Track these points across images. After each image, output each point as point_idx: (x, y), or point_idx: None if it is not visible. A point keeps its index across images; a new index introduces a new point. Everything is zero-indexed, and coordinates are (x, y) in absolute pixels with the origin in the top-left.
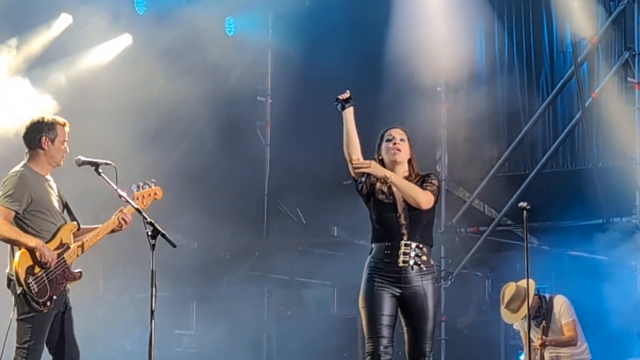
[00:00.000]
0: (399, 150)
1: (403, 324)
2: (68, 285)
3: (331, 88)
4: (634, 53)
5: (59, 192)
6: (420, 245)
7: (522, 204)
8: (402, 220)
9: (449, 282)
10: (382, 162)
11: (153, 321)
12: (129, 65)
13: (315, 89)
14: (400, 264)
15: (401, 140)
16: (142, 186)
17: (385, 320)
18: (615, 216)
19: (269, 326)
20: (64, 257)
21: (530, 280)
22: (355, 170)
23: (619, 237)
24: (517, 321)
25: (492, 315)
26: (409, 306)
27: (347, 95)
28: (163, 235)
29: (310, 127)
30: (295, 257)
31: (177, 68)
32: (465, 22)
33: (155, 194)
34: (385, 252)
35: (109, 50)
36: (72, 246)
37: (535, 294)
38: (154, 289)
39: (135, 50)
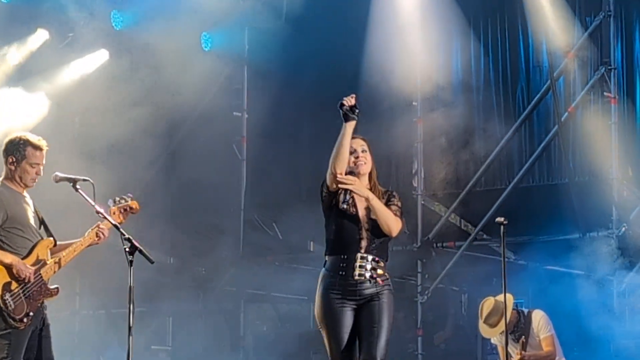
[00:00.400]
0: (363, 162)
1: (358, 335)
2: (45, 301)
3: (307, 103)
4: (610, 67)
5: (35, 208)
6: (377, 259)
7: (499, 219)
8: (362, 234)
9: (425, 297)
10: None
11: (131, 337)
12: (105, 80)
13: (291, 104)
14: (356, 277)
15: (363, 151)
16: (119, 200)
17: (347, 337)
18: (591, 231)
19: (245, 341)
20: (40, 273)
21: (508, 294)
22: (339, 185)
23: (596, 252)
24: (495, 336)
25: (469, 330)
26: (365, 319)
27: (353, 101)
28: (141, 251)
29: (287, 142)
30: (272, 273)
31: (153, 83)
32: (441, 37)
33: (132, 208)
34: (341, 264)
35: (85, 65)
36: (48, 262)
37: (513, 309)
38: (131, 305)
39: (112, 65)
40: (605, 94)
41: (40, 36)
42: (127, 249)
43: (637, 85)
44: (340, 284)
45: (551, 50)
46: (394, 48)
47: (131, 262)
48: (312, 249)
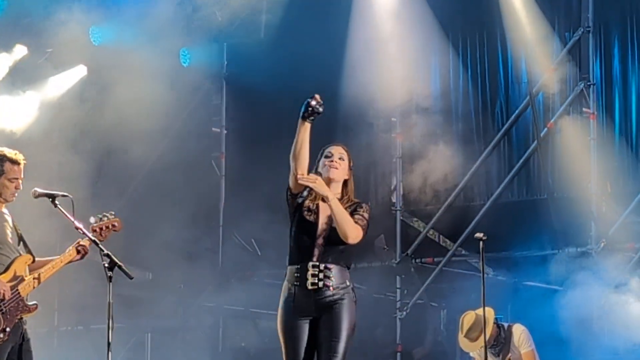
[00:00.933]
0: (335, 168)
1: (316, 349)
2: (24, 317)
3: (286, 119)
4: (589, 83)
5: (14, 224)
6: (329, 267)
7: (478, 235)
8: (319, 241)
9: (405, 313)
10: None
11: (110, 353)
12: (84, 96)
13: (271, 119)
14: (309, 287)
15: (340, 159)
16: (101, 218)
17: (303, 350)
18: (570, 247)
19: (224, 357)
20: (18, 289)
21: (488, 308)
22: (299, 182)
23: (575, 268)
24: (475, 350)
25: (448, 345)
26: (322, 332)
27: (316, 101)
28: (120, 267)
29: (265, 158)
30: (250, 288)
31: (131, 99)
32: (420, 52)
33: (114, 225)
34: (296, 274)
35: (64, 81)
36: (26, 278)
37: (494, 323)
38: (110, 321)
39: (90, 81)
40: (584, 109)
41: (18, 51)
42: (106, 265)
43: (616, 101)
44: (297, 294)
45: (530, 66)
46: (373, 63)
47: (110, 278)
48: None
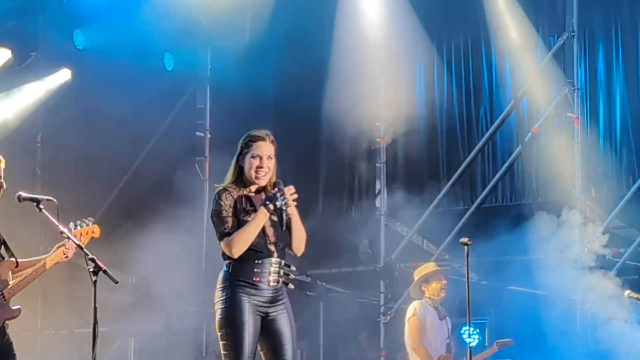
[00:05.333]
0: (264, 174)
1: (262, 346)
2: (7, 321)
3: (270, 123)
4: (573, 88)
5: None
6: (288, 263)
7: (463, 240)
8: (272, 238)
9: (388, 317)
10: (241, 170)
11: (94, 358)
12: (67, 99)
13: (255, 124)
14: (272, 283)
15: (269, 158)
16: (80, 224)
17: (252, 347)
18: (554, 251)
19: None
20: (2, 294)
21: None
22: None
23: (559, 272)
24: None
25: None
26: (275, 327)
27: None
28: (105, 271)
29: None
30: None
31: (115, 103)
32: (405, 56)
33: (93, 232)
34: (255, 270)
35: (47, 85)
36: (10, 283)
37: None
38: (96, 325)
39: (74, 85)
40: (568, 114)
41: (2, 55)
42: (91, 270)
43: (601, 106)
44: (253, 288)
45: (514, 71)
46: (358, 67)
47: (95, 282)
48: None
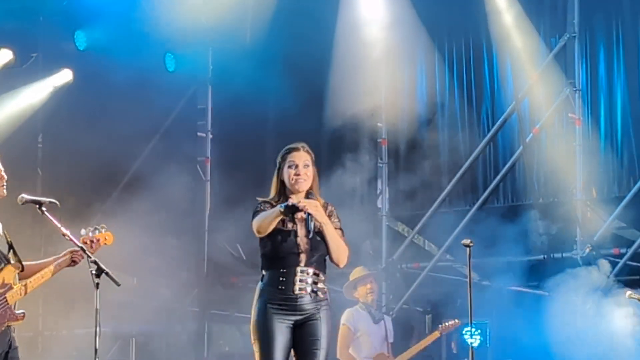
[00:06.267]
0: (303, 180)
1: (295, 353)
2: (12, 325)
3: (272, 124)
4: (575, 89)
5: (3, 232)
6: (317, 272)
7: (465, 241)
8: (302, 247)
9: (390, 318)
10: (282, 185)
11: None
12: (69, 100)
13: (256, 125)
14: (297, 292)
15: (305, 166)
16: (93, 231)
17: (282, 354)
18: (556, 252)
19: None
20: (5, 297)
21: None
22: (303, 209)
23: (560, 273)
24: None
25: (433, 350)
26: (303, 335)
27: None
28: (107, 274)
29: (251, 162)
30: (236, 293)
31: (116, 103)
32: (406, 57)
33: (106, 239)
34: (281, 279)
35: (48, 85)
36: (15, 287)
37: None
38: (98, 327)
39: (75, 85)
40: (569, 115)
41: (3, 56)
42: (93, 272)
43: (602, 107)
44: (280, 298)
45: (516, 71)
46: (359, 68)
47: (97, 284)
48: None
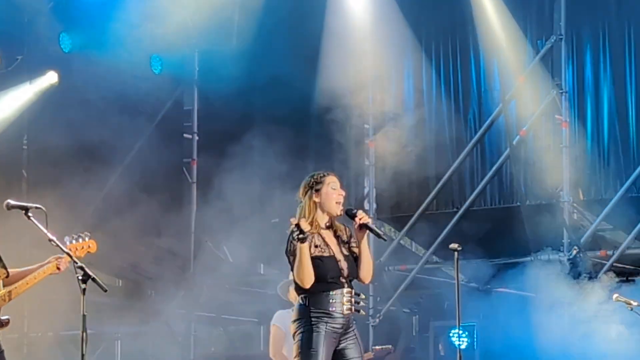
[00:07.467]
0: (342, 201)
1: None
2: None
3: (258, 126)
4: (561, 91)
5: None
6: (358, 292)
7: (453, 246)
8: (344, 271)
9: (377, 320)
10: (314, 205)
11: None
12: (54, 102)
13: (242, 126)
14: (345, 312)
15: (340, 187)
16: (76, 238)
17: None
18: (543, 254)
19: None
20: None
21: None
22: (362, 222)
23: (547, 275)
24: None
25: (420, 352)
26: (345, 354)
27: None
28: (94, 279)
29: (237, 164)
30: (222, 295)
31: (102, 106)
32: (394, 59)
33: (90, 246)
34: (331, 301)
35: (34, 88)
36: (0, 293)
37: None
38: (85, 333)
39: (61, 87)
40: (556, 117)
41: None
42: (79, 277)
43: (588, 109)
44: (329, 318)
45: (503, 74)
46: (347, 70)
47: (84, 290)
48: (262, 272)
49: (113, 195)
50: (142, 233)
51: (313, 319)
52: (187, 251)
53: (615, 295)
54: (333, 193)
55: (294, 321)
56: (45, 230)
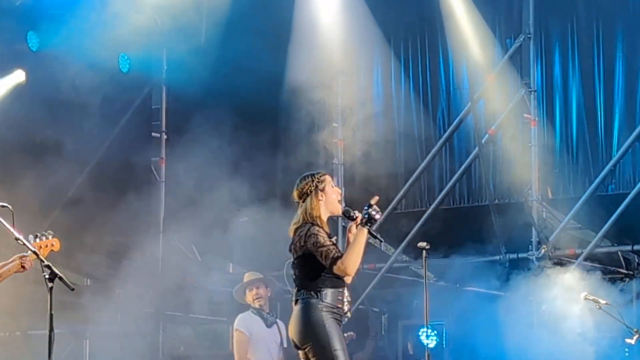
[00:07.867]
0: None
1: None
2: None
3: (227, 124)
4: (530, 90)
5: None
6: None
7: (422, 244)
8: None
9: (346, 319)
10: (321, 205)
11: None
12: (21, 101)
13: (211, 125)
14: (345, 309)
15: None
16: (40, 237)
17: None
18: (511, 252)
19: None
20: None
21: None
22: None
23: (516, 273)
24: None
25: (389, 351)
26: None
27: (377, 210)
28: (60, 278)
29: (206, 163)
30: (191, 294)
31: (70, 104)
32: (362, 58)
33: (53, 245)
34: (339, 298)
35: (1, 86)
36: None
37: None
38: (52, 332)
39: (28, 86)
40: (525, 116)
41: None
42: (46, 276)
43: (557, 108)
44: (338, 315)
45: (472, 72)
46: (315, 69)
47: (51, 288)
48: (231, 271)
49: (80, 194)
50: (110, 232)
51: (329, 314)
52: (156, 250)
53: (584, 294)
54: (334, 192)
55: (311, 317)
56: (12, 229)
